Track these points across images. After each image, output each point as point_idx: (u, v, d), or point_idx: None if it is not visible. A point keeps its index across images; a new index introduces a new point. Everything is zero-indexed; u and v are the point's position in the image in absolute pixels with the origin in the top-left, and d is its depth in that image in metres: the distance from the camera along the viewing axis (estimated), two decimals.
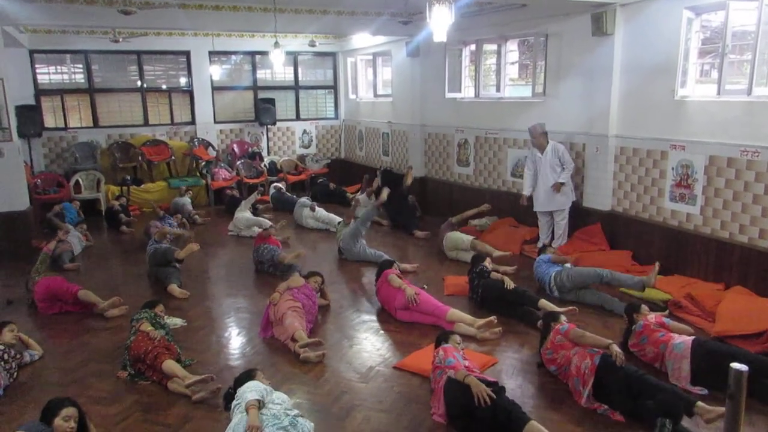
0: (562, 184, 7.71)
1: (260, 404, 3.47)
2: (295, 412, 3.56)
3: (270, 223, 9.32)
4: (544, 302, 5.70)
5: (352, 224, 8.14)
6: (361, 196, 10.80)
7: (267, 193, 12.08)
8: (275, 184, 12.34)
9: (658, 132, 6.96)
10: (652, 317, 4.89)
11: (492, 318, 5.42)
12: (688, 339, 4.53)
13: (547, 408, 4.19)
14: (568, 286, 6.22)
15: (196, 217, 10.61)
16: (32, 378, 4.81)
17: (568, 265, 6.50)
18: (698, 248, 6.51)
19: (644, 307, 5.02)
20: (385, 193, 8.30)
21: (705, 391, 4.29)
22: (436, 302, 5.78)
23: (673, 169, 6.82)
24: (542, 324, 4.83)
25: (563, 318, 4.74)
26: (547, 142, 7.78)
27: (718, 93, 6.30)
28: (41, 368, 4.98)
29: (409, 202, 10.30)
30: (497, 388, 3.85)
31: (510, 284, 5.98)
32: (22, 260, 7.93)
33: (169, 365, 4.50)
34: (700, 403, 3.73)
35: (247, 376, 3.89)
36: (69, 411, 3.43)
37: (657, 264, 6.05)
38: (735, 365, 1.58)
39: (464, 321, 5.49)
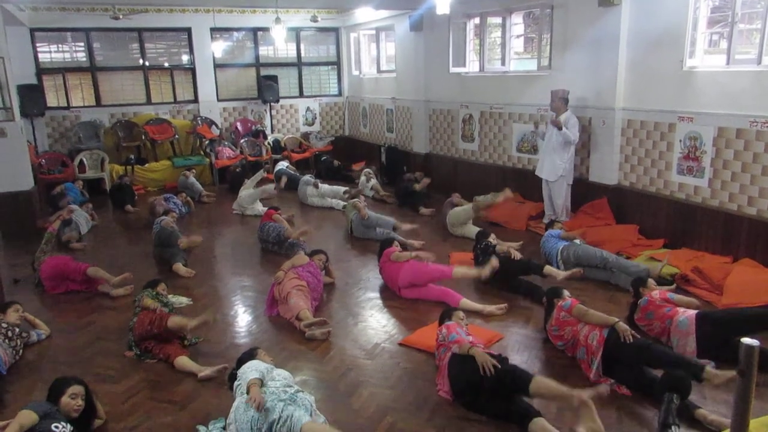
0: (560, 125, 7.53)
1: (261, 383, 3.47)
2: (295, 388, 3.56)
3: (272, 186, 9.27)
4: (549, 269, 5.70)
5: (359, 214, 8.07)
6: (362, 179, 10.79)
7: (272, 171, 12.02)
8: (281, 162, 12.32)
9: (665, 104, 6.87)
10: (657, 293, 4.85)
11: (503, 305, 5.43)
12: (692, 314, 4.48)
13: None
14: (573, 261, 6.19)
15: (205, 197, 10.61)
16: (40, 357, 4.83)
17: (577, 241, 6.46)
18: (706, 221, 6.46)
19: (651, 282, 4.99)
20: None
21: (712, 364, 4.26)
22: (439, 266, 5.78)
23: (680, 141, 6.74)
24: (546, 300, 4.82)
25: (566, 293, 4.72)
26: (565, 110, 7.65)
27: (728, 63, 6.21)
28: (48, 347, 5.00)
29: (416, 179, 10.25)
30: (501, 358, 3.84)
31: (516, 255, 5.96)
32: (27, 240, 7.95)
33: (182, 361, 4.50)
34: (708, 369, 3.72)
35: (249, 355, 3.90)
36: (76, 389, 3.45)
37: (666, 257, 6.01)
38: (746, 340, 1.54)
39: (470, 297, 5.49)
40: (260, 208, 9.33)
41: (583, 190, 7.91)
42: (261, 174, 10.14)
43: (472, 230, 7.73)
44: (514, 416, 3.60)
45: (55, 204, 9.21)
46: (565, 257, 6.25)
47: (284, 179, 11.19)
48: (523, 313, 5.39)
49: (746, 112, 5.99)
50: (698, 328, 4.37)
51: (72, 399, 3.40)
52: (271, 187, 9.54)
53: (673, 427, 3.18)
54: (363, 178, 10.80)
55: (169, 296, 5.49)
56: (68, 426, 3.20)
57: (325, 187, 10.22)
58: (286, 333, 5.13)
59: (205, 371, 4.33)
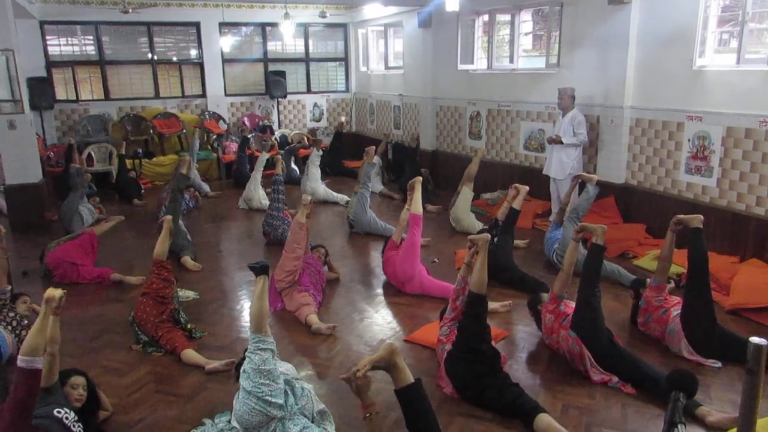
0: (560, 141, 7.57)
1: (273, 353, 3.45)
2: (293, 374, 3.58)
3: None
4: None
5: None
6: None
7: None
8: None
9: (674, 103, 6.84)
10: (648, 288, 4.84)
11: (507, 303, 5.46)
12: (677, 317, 4.47)
13: (558, 381, 4.19)
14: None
15: (207, 188, 10.65)
16: None
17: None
18: (713, 221, 6.42)
19: (649, 281, 4.96)
20: (372, 150, 8.43)
21: (718, 364, 4.27)
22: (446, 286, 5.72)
23: (689, 140, 6.71)
24: (531, 312, 4.87)
25: (544, 296, 4.74)
26: (573, 108, 7.64)
27: (738, 62, 6.17)
28: None
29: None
30: (510, 381, 3.87)
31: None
32: (35, 232, 8.00)
33: (188, 354, 4.53)
34: (702, 408, 3.65)
35: None
36: (77, 380, 3.47)
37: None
38: (754, 339, 1.54)
39: None
40: (265, 201, 9.33)
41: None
42: (264, 159, 10.00)
43: (475, 225, 7.76)
44: (519, 412, 3.61)
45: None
46: (560, 258, 6.22)
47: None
48: (528, 310, 5.36)
49: (756, 112, 5.96)
50: (686, 330, 4.38)
51: (73, 389, 3.41)
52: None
53: (679, 426, 3.17)
54: (377, 157, 10.25)
55: (177, 290, 5.49)
56: (71, 413, 3.21)
57: (329, 192, 10.17)
58: (291, 327, 5.14)
59: (213, 364, 4.35)
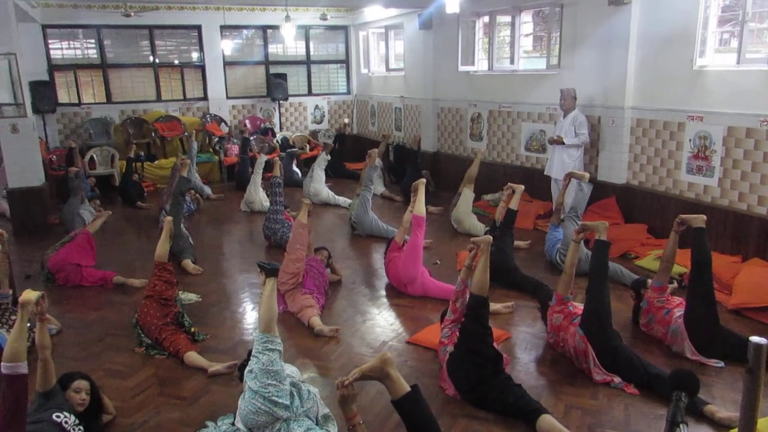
0: (561, 142, 7.58)
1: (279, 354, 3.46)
2: (298, 377, 3.59)
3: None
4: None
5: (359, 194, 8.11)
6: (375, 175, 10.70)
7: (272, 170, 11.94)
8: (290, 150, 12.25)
9: (675, 103, 6.84)
10: (650, 289, 4.84)
11: (510, 304, 5.44)
12: (680, 318, 4.48)
13: (561, 382, 4.19)
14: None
15: (208, 191, 10.66)
16: None
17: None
18: (715, 220, 6.42)
19: (650, 282, 4.96)
20: (375, 153, 8.46)
21: (721, 364, 4.27)
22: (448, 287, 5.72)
23: (690, 140, 6.72)
24: (539, 307, 4.89)
25: (554, 296, 4.74)
26: (574, 108, 7.65)
27: (738, 62, 6.17)
28: (59, 342, 5.00)
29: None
30: (512, 382, 3.86)
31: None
32: (38, 236, 8.01)
33: (191, 356, 4.54)
34: (709, 406, 3.66)
35: None
36: (80, 383, 3.47)
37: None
38: (754, 338, 1.55)
39: None
40: (266, 204, 9.33)
41: (592, 190, 7.87)
42: (262, 161, 10.02)
43: (477, 226, 7.77)
44: (522, 413, 3.61)
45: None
46: (563, 258, 6.23)
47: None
48: (530, 311, 5.38)
49: (756, 112, 5.97)
50: (689, 332, 4.37)
51: (76, 393, 3.41)
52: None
53: (681, 426, 3.16)
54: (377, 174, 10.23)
55: (179, 293, 5.50)
56: (71, 417, 3.21)
57: (331, 194, 10.19)
58: (294, 330, 5.14)
59: (215, 367, 4.36)
